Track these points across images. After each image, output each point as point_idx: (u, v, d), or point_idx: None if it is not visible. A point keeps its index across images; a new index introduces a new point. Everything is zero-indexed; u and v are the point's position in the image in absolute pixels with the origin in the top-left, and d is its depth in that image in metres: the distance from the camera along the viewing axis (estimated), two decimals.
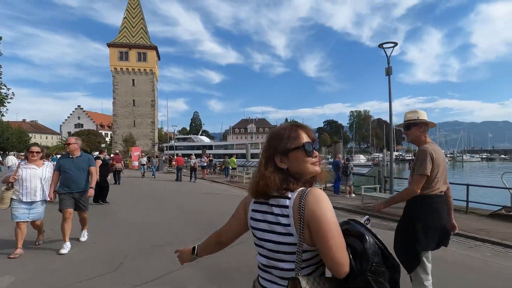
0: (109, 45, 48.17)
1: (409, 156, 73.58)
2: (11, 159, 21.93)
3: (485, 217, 7.25)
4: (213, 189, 13.56)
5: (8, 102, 14.86)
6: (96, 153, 16.11)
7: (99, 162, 8.53)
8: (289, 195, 1.03)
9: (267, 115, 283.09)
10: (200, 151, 47.75)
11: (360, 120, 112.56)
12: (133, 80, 48.78)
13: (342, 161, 11.55)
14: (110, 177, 11.28)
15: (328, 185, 11.94)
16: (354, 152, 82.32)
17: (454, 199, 2.87)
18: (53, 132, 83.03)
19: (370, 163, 53.15)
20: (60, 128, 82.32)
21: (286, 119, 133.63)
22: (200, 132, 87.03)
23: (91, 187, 4.71)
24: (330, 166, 12.02)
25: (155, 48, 50.09)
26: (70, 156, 4.66)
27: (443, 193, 2.49)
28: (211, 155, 27.91)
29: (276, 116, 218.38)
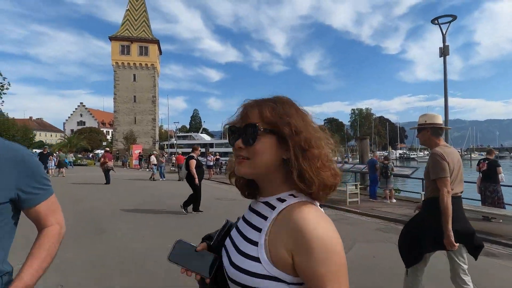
0: (111, 38, 46.81)
1: (413, 154, 72.87)
2: None
3: None
4: (225, 192, 12.13)
5: (3, 93, 13.47)
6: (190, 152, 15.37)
7: (194, 162, 7.58)
8: None
9: None
10: (201, 149, 47.01)
11: (361, 118, 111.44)
12: (134, 75, 47.38)
13: (380, 160, 10.27)
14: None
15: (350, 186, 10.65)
16: (357, 151, 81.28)
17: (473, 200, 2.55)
18: (57, 130, 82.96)
19: None
20: (64, 126, 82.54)
21: None
22: (201, 130, 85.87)
23: None
24: (363, 165, 10.77)
25: (157, 42, 48.67)
26: None
27: (458, 194, 2.50)
28: (218, 154, 26.53)
29: None
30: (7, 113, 46.70)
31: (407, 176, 10.15)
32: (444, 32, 7.64)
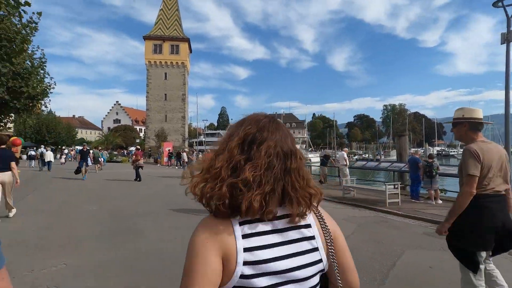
0: (145, 38, 48.29)
1: (453, 151, 68.57)
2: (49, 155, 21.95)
3: None
4: None
5: (50, 93, 14.15)
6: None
7: None
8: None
9: (293, 110, 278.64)
10: None
11: (395, 114, 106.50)
12: (165, 73, 48.60)
13: (423, 159, 9.49)
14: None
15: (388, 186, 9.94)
16: (390, 148, 77.94)
17: None
18: (96, 128, 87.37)
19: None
20: (102, 124, 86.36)
21: (314, 114, 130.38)
22: (228, 127, 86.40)
23: None
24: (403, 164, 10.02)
25: (187, 40, 49.52)
26: None
27: (500, 192, 2.36)
28: None
29: (302, 111, 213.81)
30: (54, 111, 50.07)
31: (454, 176, 9.25)
32: (510, 16, 6.75)
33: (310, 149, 66.46)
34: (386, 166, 11.09)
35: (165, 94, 48.60)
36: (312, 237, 0.85)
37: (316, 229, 0.87)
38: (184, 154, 18.58)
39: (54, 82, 14.31)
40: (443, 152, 71.03)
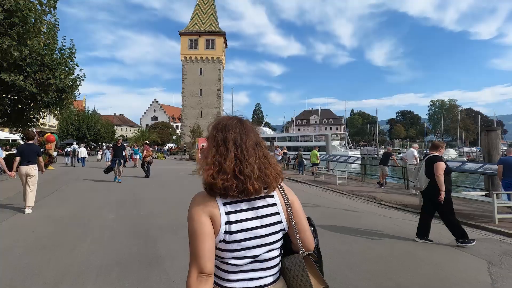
0: (181, 33, 47.93)
1: None
2: (82, 151, 21.76)
3: None
4: (305, 194, 9.91)
5: (80, 85, 13.36)
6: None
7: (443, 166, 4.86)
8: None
9: (329, 106, 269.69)
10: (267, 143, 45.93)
11: (443, 110, 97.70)
12: (200, 69, 47.98)
13: None
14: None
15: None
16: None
17: None
18: (135, 125, 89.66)
19: (465, 158, 44.94)
20: (140, 121, 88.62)
21: (352, 110, 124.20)
22: (263, 124, 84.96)
23: None
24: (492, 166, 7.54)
25: (223, 35, 48.46)
26: None
27: None
28: (285, 147, 24.49)
29: (339, 107, 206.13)
30: (93, 108, 52.00)
31: None
32: None
33: (349, 145, 62.78)
34: (476, 167, 8.61)
35: (200, 90, 48.05)
36: (274, 204, 1.13)
37: (277, 198, 1.14)
38: None
39: (84, 73, 13.49)
40: (503, 153, 63.37)
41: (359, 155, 39.67)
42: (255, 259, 1.07)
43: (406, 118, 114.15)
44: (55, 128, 42.96)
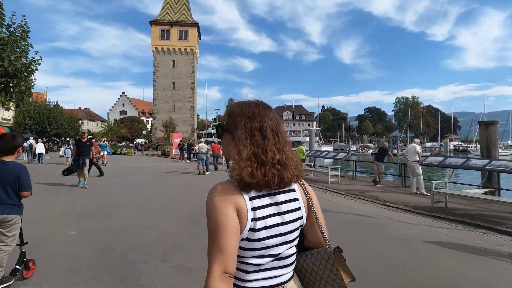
0: (151, 23, 45.17)
1: (470, 147, 64.59)
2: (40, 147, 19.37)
3: None
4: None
5: (36, 69, 11.36)
6: None
7: None
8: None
9: (301, 102, 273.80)
10: None
11: (407, 107, 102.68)
12: (173, 60, 45.60)
13: None
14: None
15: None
16: (403, 141, 74.36)
17: None
18: (102, 119, 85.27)
19: (429, 153, 46.92)
20: (108, 115, 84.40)
21: (323, 107, 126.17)
22: None
23: None
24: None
25: (196, 25, 46.32)
26: None
27: None
28: None
29: (309, 104, 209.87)
30: (55, 101, 47.77)
31: None
32: None
33: (321, 141, 63.47)
34: (482, 164, 8.12)
35: (173, 83, 45.71)
36: (296, 199, 1.05)
37: (298, 192, 1.08)
38: (203, 145, 15.12)
39: (40, 57, 11.51)
40: (460, 147, 68.02)
41: (332, 150, 39.77)
42: (276, 257, 1.00)
43: (374, 115, 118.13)
44: (10, 122, 38.77)
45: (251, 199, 0.96)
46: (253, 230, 0.94)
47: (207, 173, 14.52)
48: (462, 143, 74.42)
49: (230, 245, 0.90)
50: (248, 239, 0.94)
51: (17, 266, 3.09)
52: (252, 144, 0.97)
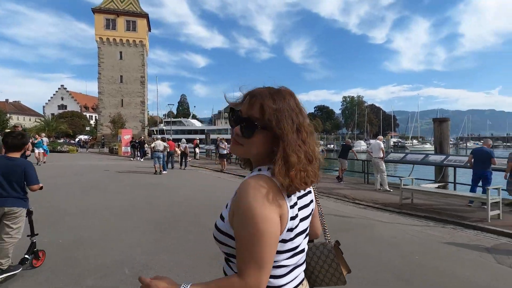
0: (94, 11, 41.35)
1: (407, 143, 71.28)
2: None
3: None
4: None
5: None
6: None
7: None
8: None
9: None
10: (192, 136, 43.33)
11: (353, 106, 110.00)
12: (120, 52, 42.36)
13: None
14: None
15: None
16: (351, 138, 79.28)
17: None
18: (36, 114, 76.60)
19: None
20: (43, 110, 76.50)
21: None
22: (191, 116, 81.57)
23: None
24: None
25: (146, 16, 43.56)
26: None
27: None
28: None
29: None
30: None
31: None
32: None
33: None
34: (440, 160, 8.57)
35: (121, 76, 42.51)
36: (309, 192, 1.00)
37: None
38: (159, 142, 13.99)
39: None
40: (399, 144, 74.25)
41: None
42: (300, 255, 0.94)
43: (323, 113, 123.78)
44: None
45: (288, 196, 0.86)
46: (290, 230, 0.85)
47: (164, 172, 13.52)
48: (401, 140, 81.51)
49: (270, 257, 0.79)
50: (283, 241, 0.84)
51: (26, 256, 3.28)
52: (304, 143, 0.86)
